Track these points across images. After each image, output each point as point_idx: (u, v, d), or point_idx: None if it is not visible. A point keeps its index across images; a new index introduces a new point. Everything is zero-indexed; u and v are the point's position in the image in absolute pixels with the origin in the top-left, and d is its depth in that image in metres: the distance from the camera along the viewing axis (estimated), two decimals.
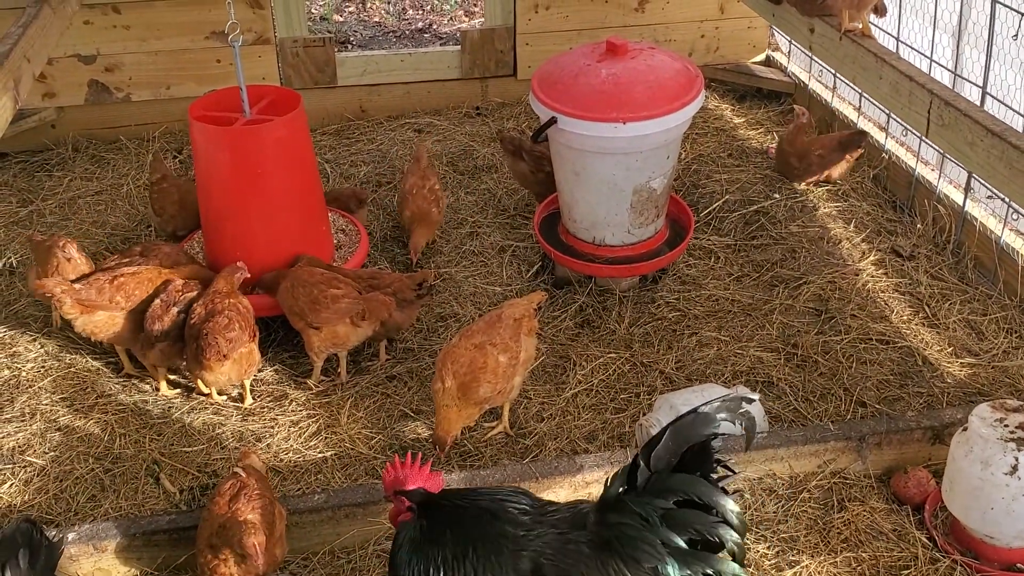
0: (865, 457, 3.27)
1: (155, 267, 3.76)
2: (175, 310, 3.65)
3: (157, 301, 3.65)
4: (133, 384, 3.84)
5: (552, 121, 3.85)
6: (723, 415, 2.21)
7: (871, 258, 4.46)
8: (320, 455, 3.47)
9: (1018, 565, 2.90)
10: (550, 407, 3.71)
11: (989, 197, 4.25)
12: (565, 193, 4.19)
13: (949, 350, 3.87)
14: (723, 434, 2.18)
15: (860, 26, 3.72)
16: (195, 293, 3.67)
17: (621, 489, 2.25)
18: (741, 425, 2.27)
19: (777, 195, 4.94)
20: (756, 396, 2.30)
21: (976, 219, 4.30)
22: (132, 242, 4.61)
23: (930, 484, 3.17)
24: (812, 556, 2.99)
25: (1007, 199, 4.01)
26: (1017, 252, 4.04)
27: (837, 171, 4.92)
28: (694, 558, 2.18)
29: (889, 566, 2.95)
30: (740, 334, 4.02)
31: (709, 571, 2.19)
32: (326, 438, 3.56)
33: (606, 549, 2.22)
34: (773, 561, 2.98)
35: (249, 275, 3.72)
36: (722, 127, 5.72)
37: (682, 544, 2.18)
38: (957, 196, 4.45)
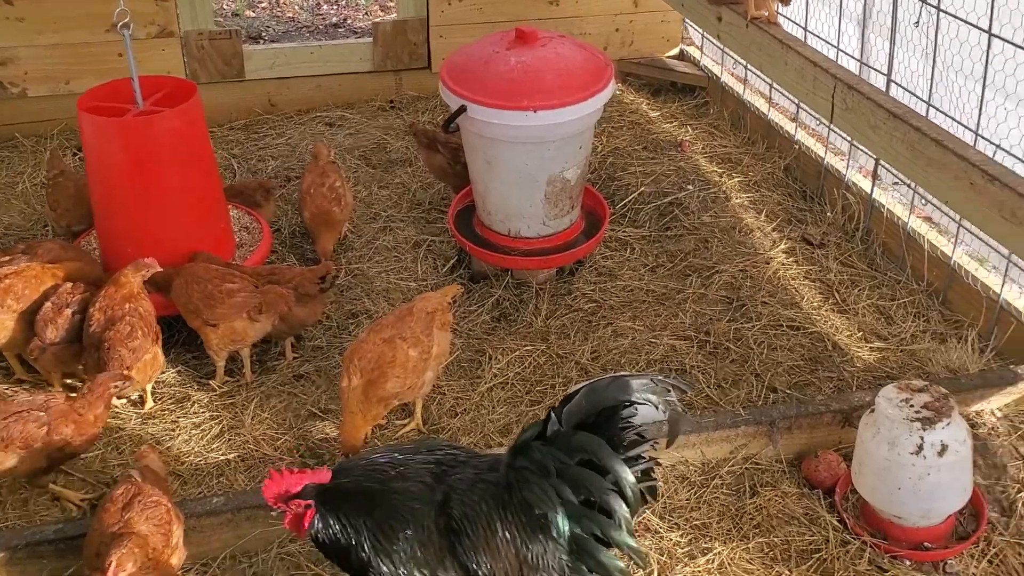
0: (776, 442, 3.27)
1: (39, 264, 3.57)
2: (68, 311, 3.48)
3: (48, 304, 3.48)
4: (25, 390, 3.64)
5: (462, 109, 3.78)
6: (645, 393, 2.20)
7: (782, 246, 4.49)
8: (223, 457, 3.34)
9: (925, 544, 2.92)
10: (464, 402, 3.63)
11: (895, 184, 4.31)
12: (479, 184, 4.12)
13: (859, 335, 3.91)
14: (638, 402, 2.16)
15: (766, 14, 3.74)
16: (88, 293, 3.50)
17: (532, 435, 2.27)
18: (664, 413, 2.25)
19: (691, 187, 4.95)
20: (689, 389, 2.30)
21: (884, 206, 4.36)
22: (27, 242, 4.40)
23: (840, 467, 3.18)
24: (725, 543, 2.97)
25: (910, 183, 4.08)
26: (923, 237, 4.10)
27: None
28: (586, 518, 2.21)
29: (801, 550, 2.95)
30: (654, 323, 4.00)
31: (598, 533, 2.21)
32: (229, 440, 3.42)
33: (508, 490, 2.26)
34: (686, 549, 2.96)
35: (159, 270, 3.55)
36: (637, 120, 5.72)
37: (574, 500, 2.20)
38: (865, 184, 4.51)
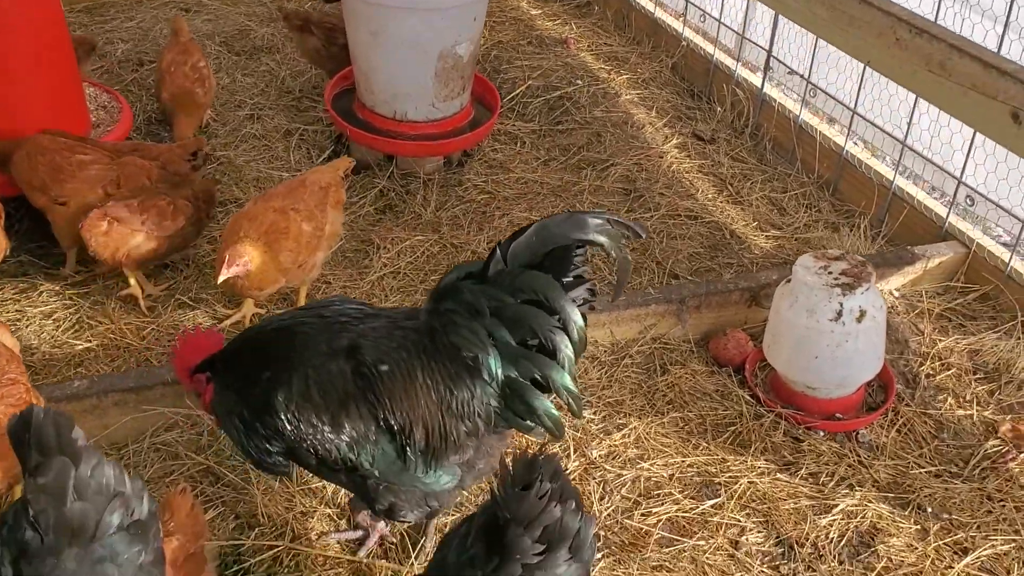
0: (685, 321, 3.17)
1: None
2: None
3: None
4: None
5: None
6: (600, 234, 2.00)
7: (674, 142, 4.38)
8: (83, 346, 2.94)
9: (837, 415, 2.88)
10: (353, 291, 3.36)
11: (789, 73, 4.26)
12: (361, 60, 3.78)
13: (754, 224, 3.86)
14: (592, 242, 1.98)
15: None
16: None
17: (459, 276, 2.07)
18: (616, 257, 2.07)
19: (579, 81, 4.77)
20: (644, 234, 2.11)
21: (774, 100, 4.31)
22: None
23: (748, 345, 3.11)
24: (639, 418, 2.84)
25: (803, 74, 4.03)
26: (815, 130, 4.07)
27: None
28: (524, 358, 2.03)
29: (715, 424, 2.86)
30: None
31: (538, 375, 2.04)
32: (91, 328, 3.03)
33: (430, 335, 2.07)
34: (600, 425, 2.81)
35: None
36: (519, 17, 5.47)
37: (511, 340, 2.02)
38: (755, 79, 4.45)
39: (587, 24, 5.46)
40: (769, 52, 4.29)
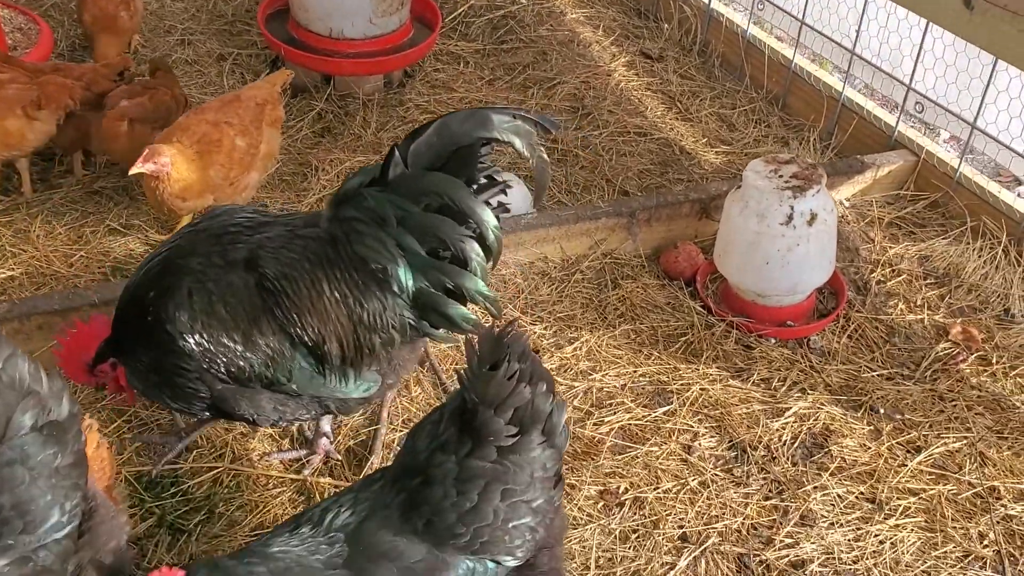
0: (635, 235, 3.10)
1: None
2: None
3: None
4: None
5: None
6: (508, 132, 1.89)
7: (621, 60, 4.28)
8: (5, 275, 2.79)
9: (788, 323, 2.85)
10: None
11: None
12: None
13: (704, 140, 3.79)
14: (500, 140, 1.86)
15: None
16: None
17: (362, 182, 1.96)
18: (531, 157, 1.96)
19: (523, 0, 4.63)
20: (559, 126, 2.00)
21: (723, 15, 4.22)
22: None
23: (699, 258, 3.06)
24: (591, 332, 2.78)
25: None
26: (764, 44, 4.00)
27: None
28: (435, 269, 1.94)
29: (667, 335, 2.81)
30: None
31: (450, 285, 1.95)
32: (14, 256, 2.88)
33: (333, 244, 1.96)
34: (552, 340, 2.75)
35: None
36: None
37: (420, 250, 1.92)
38: None
39: None
40: None
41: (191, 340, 1.91)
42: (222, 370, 1.95)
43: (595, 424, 2.46)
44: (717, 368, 2.68)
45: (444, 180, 1.90)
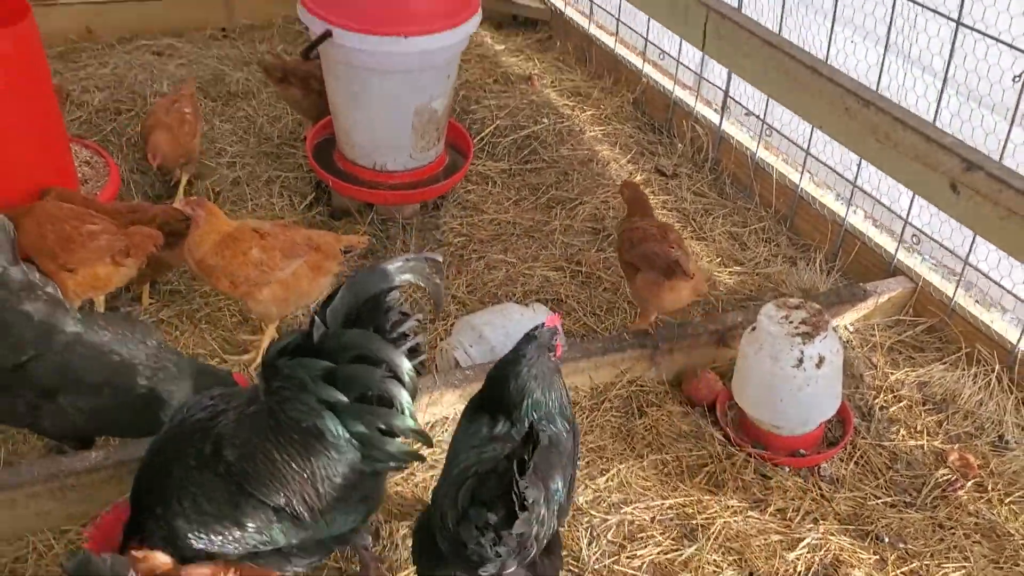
0: (659, 364, 3.39)
1: None
2: None
3: None
4: None
5: (327, 35, 3.59)
6: (405, 275, 2.25)
7: (638, 178, 4.60)
8: None
9: (800, 451, 3.13)
10: None
11: (747, 114, 4.50)
12: (342, 117, 3.95)
13: (718, 260, 4.09)
14: (400, 286, 2.23)
15: None
16: None
17: (275, 352, 2.25)
18: (428, 287, 2.34)
19: (545, 120, 4.97)
20: (439, 257, 2.41)
21: (732, 137, 4.55)
22: None
23: (718, 385, 3.34)
24: (622, 462, 3.06)
25: (759, 115, 4.28)
26: (772, 167, 4.32)
27: None
28: (362, 412, 2.22)
29: (691, 465, 3.08)
30: (526, 255, 4.02)
31: (381, 425, 2.23)
32: None
33: (272, 415, 2.24)
34: (585, 471, 3.02)
35: None
36: (484, 54, 5.66)
37: (343, 399, 2.20)
38: (713, 116, 4.68)
39: (549, 59, 5.66)
40: (726, 92, 4.53)
41: (192, 539, 2.21)
42: (229, 548, 2.23)
43: (628, 558, 2.73)
44: (738, 499, 2.94)
45: (359, 335, 2.20)
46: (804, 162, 4.16)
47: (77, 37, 5.24)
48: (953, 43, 3.13)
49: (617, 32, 5.40)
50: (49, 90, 3.57)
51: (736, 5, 4.09)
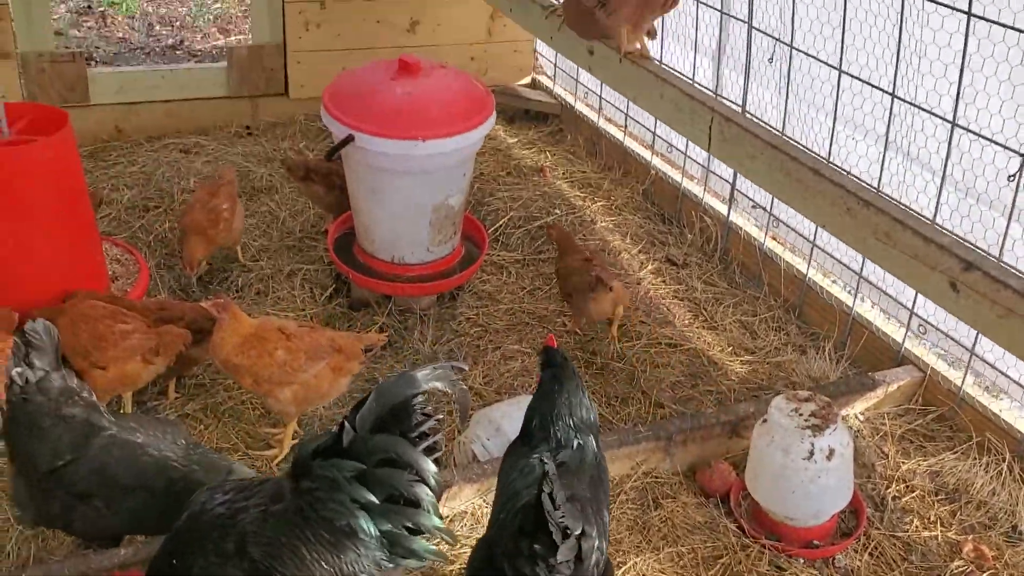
0: (673, 455, 3.45)
1: None
2: None
3: None
4: None
5: (349, 139, 3.76)
6: (433, 382, 2.35)
7: (649, 267, 4.73)
8: None
9: (815, 542, 3.16)
10: None
11: (753, 207, 4.63)
12: (363, 213, 4.10)
13: (729, 349, 4.17)
14: (427, 392, 2.32)
15: (639, 47, 3.94)
16: None
17: (313, 450, 2.32)
18: (454, 394, 2.43)
19: (557, 211, 5.12)
20: (466, 366, 2.50)
21: (740, 228, 4.68)
22: None
23: (732, 475, 3.39)
24: (638, 555, 3.10)
25: (765, 207, 4.41)
26: (779, 257, 4.43)
27: None
28: (391, 512, 2.30)
29: (706, 557, 3.12)
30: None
31: (409, 523, 2.31)
32: None
33: (301, 515, 2.30)
34: None
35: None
36: (497, 147, 5.85)
37: (374, 500, 2.28)
38: (721, 207, 4.82)
39: (561, 151, 5.85)
40: (733, 185, 4.67)
41: None
42: None
43: None
44: None
45: (388, 440, 2.29)
46: (811, 253, 4.27)
47: (107, 137, 5.46)
48: (949, 142, 3.26)
49: (626, 126, 5.58)
50: (83, 193, 3.73)
51: (740, 103, 4.27)
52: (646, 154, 5.38)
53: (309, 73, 5.63)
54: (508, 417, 3.34)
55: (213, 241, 4.25)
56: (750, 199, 4.64)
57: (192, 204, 4.29)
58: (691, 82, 3.84)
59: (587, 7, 3.83)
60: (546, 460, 2.37)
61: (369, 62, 4.15)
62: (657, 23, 4.17)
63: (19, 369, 2.56)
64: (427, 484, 2.30)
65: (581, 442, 2.64)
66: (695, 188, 5.03)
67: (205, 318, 3.55)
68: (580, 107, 6.02)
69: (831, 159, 3.79)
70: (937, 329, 3.73)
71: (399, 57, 3.93)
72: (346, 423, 2.30)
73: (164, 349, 3.34)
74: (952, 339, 3.67)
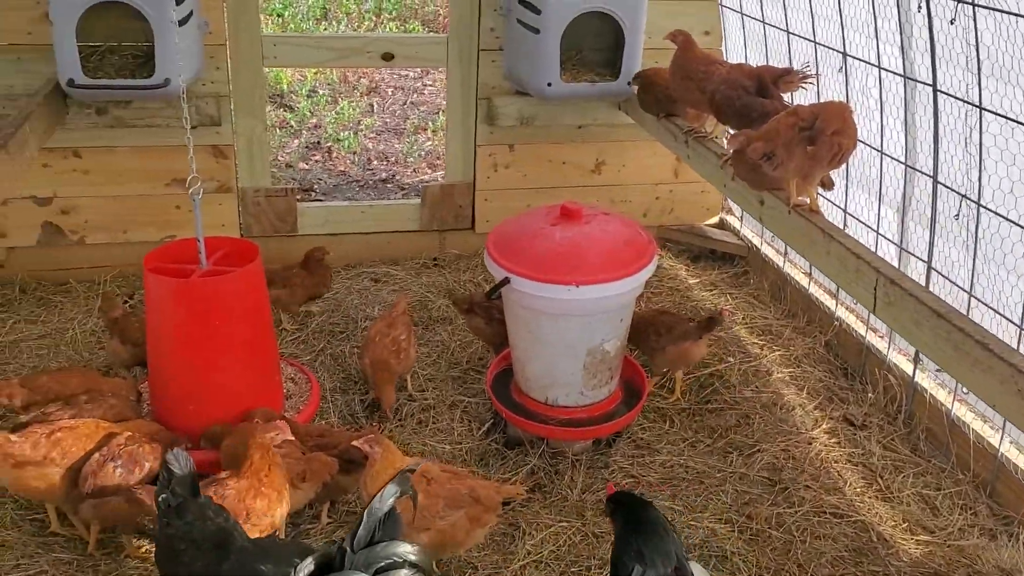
0: None
1: (94, 421, 3.61)
2: (112, 465, 3.48)
3: (96, 455, 3.48)
4: (59, 543, 3.63)
5: (505, 281, 3.86)
6: (395, 487, 2.27)
7: (824, 426, 4.44)
8: None
9: None
10: None
11: (938, 370, 4.28)
12: (519, 351, 4.16)
13: (904, 525, 3.81)
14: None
15: (808, 201, 3.81)
16: (136, 447, 3.50)
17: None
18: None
19: (731, 359, 4.95)
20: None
21: (926, 390, 4.32)
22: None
23: None
24: None
25: (952, 376, 4.05)
26: (968, 426, 4.04)
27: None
28: None
29: None
30: (694, 504, 3.93)
31: None
32: None
33: None
34: None
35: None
36: (676, 287, 5.79)
37: None
38: (907, 366, 4.48)
39: (742, 294, 5.70)
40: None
41: None
42: None
43: None
44: None
45: (386, 546, 2.16)
46: (1004, 425, 3.86)
47: None
48: None
49: (811, 272, 5.37)
50: (269, 319, 4.04)
51: (926, 258, 4.01)
52: (830, 303, 5.13)
53: (496, 210, 5.86)
54: None
55: (396, 371, 4.44)
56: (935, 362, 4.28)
57: (372, 337, 4.50)
58: (861, 240, 3.66)
59: (754, 160, 3.77)
60: None
61: (541, 205, 4.26)
62: (834, 173, 4.04)
63: (164, 495, 2.75)
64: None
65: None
66: (880, 343, 4.72)
67: (360, 453, 3.68)
68: (766, 250, 5.87)
69: None
70: None
71: (562, 203, 4.02)
72: (345, 547, 2.20)
73: (311, 475, 3.49)
74: None
